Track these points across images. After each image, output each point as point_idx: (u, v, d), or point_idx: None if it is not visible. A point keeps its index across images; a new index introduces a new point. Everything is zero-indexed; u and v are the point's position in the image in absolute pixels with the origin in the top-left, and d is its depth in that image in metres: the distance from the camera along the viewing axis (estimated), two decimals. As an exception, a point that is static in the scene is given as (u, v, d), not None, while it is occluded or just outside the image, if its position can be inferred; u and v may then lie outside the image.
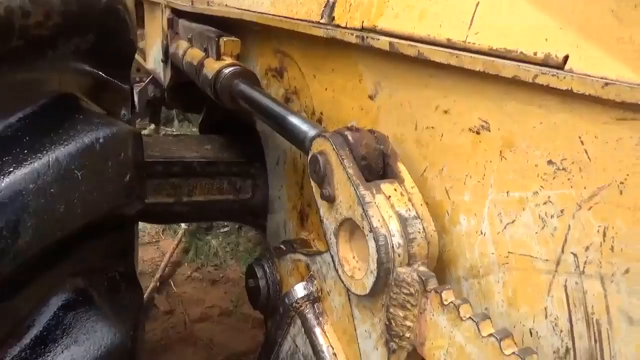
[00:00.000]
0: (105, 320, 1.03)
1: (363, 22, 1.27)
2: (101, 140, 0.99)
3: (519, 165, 0.88)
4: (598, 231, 0.76)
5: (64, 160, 0.94)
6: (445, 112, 1.03)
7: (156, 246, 3.99)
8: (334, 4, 1.42)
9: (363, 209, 0.97)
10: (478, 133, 0.96)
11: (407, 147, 1.16)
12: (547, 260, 0.84)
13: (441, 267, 1.07)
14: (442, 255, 1.06)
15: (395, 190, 1.01)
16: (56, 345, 0.94)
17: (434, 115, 1.07)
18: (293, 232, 1.86)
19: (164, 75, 2.68)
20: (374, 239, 0.94)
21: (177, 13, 2.42)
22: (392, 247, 0.94)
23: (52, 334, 0.94)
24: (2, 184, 0.86)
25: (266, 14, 1.77)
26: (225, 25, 2.14)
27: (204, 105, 2.72)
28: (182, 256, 3.90)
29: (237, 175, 2.21)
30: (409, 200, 1.00)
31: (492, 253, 0.94)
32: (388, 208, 0.97)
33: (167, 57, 2.50)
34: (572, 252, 0.80)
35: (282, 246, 1.60)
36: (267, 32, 1.88)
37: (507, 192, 0.90)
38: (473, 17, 0.96)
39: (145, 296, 3.35)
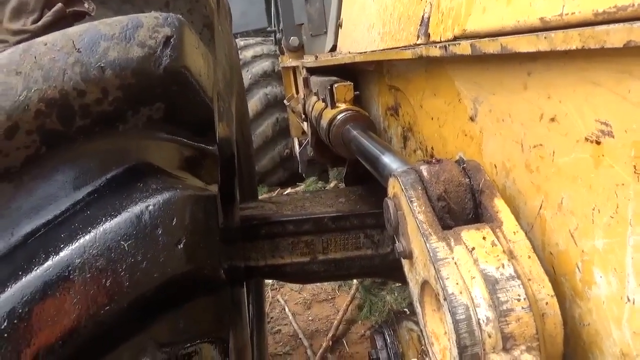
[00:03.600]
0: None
1: (454, 29, 1.02)
2: (150, 207, 0.96)
3: (666, 186, 0.52)
4: None
5: (111, 232, 0.92)
6: (552, 120, 0.71)
7: (332, 303, 3.95)
8: (428, 18, 1.21)
9: (434, 267, 0.70)
10: (598, 143, 0.62)
11: (517, 176, 0.84)
12: None
13: (582, 352, 0.71)
14: (580, 333, 0.71)
15: (484, 238, 0.71)
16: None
17: (539, 128, 0.75)
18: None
19: (308, 132, 2.72)
20: (450, 310, 0.66)
21: (310, 71, 2.45)
22: (478, 322, 0.65)
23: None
24: (51, 262, 0.87)
25: (375, 51, 1.63)
26: (349, 73, 2.06)
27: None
28: (357, 313, 3.77)
29: (373, 227, 2.02)
30: (506, 252, 0.69)
31: (651, 333, 0.57)
32: (471, 265, 0.69)
33: (306, 114, 2.53)
34: None
35: (406, 309, 1.35)
36: (380, 70, 1.73)
37: (656, 232, 0.54)
38: (569, -23, 0.66)
39: (317, 356, 3.29)
